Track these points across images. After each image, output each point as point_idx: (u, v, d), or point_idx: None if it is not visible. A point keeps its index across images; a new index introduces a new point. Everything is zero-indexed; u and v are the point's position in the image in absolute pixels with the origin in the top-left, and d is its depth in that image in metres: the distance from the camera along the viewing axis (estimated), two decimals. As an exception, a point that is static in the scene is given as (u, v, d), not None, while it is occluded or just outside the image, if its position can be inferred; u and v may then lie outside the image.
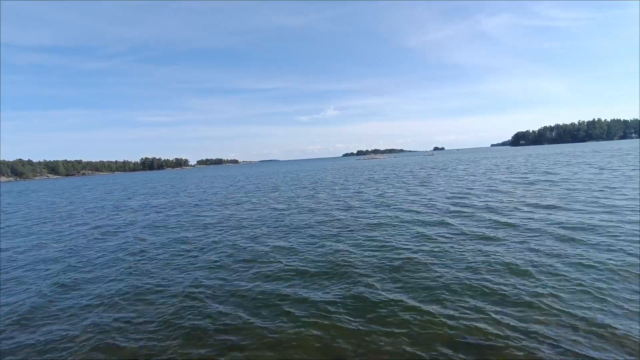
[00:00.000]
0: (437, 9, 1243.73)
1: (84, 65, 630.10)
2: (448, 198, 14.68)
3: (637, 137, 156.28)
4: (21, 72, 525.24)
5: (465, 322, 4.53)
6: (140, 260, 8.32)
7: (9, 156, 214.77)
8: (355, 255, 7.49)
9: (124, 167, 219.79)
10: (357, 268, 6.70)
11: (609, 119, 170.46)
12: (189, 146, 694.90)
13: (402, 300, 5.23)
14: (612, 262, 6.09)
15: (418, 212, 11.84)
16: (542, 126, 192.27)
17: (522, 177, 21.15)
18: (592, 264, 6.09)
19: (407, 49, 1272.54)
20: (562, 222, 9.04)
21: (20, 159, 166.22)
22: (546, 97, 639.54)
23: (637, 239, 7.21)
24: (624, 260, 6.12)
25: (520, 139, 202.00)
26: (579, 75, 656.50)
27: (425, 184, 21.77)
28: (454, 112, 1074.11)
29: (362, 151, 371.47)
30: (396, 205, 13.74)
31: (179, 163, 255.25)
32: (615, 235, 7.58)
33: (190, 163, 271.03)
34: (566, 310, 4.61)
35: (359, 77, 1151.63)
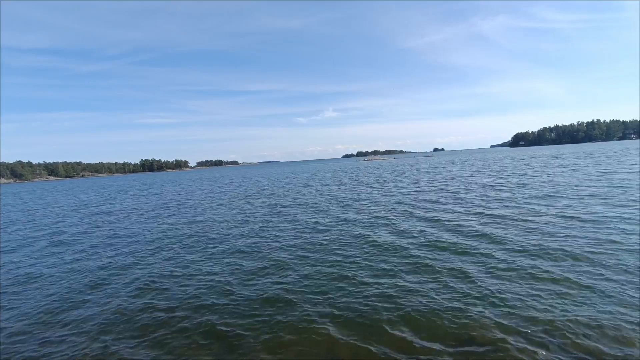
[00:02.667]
0: (434, 11, 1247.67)
1: (83, 67, 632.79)
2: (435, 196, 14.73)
3: (636, 138, 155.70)
4: (20, 75, 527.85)
5: (459, 321, 4.63)
6: (133, 263, 8.40)
7: (9, 158, 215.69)
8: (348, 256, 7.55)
9: (124, 168, 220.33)
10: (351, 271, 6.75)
11: (608, 120, 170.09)
12: (188, 148, 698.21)
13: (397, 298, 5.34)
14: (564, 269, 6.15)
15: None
16: (542, 127, 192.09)
17: (500, 181, 21.19)
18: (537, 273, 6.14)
19: (406, 51, 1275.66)
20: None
21: (20, 161, 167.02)
22: (545, 99, 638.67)
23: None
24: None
25: (520, 140, 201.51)
26: (578, 76, 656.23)
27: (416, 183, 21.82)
28: (454, 114, 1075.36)
29: (362, 152, 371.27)
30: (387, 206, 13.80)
31: (179, 165, 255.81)
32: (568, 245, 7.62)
33: (190, 165, 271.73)
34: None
35: (358, 78, 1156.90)
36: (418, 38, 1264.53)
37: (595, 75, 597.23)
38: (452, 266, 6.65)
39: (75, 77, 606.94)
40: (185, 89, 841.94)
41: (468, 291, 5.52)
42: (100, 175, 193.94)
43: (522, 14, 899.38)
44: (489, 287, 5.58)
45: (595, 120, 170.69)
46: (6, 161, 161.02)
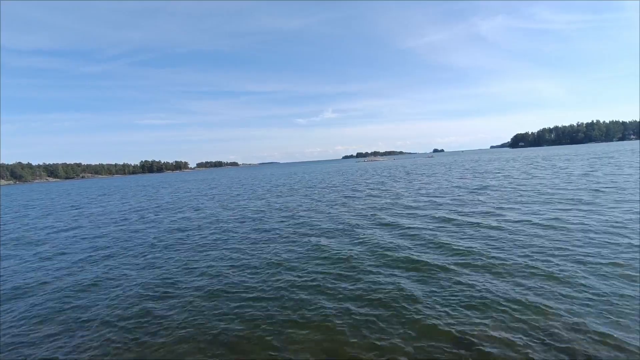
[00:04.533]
0: (434, 11, 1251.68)
1: (83, 68, 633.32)
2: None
3: (636, 139, 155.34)
4: (20, 75, 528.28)
5: (460, 323, 4.62)
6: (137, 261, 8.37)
7: (9, 159, 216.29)
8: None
9: (124, 170, 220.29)
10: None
11: (607, 121, 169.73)
12: (188, 148, 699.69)
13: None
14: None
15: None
16: (541, 128, 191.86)
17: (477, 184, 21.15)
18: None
19: (406, 51, 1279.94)
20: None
21: (19, 162, 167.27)
22: (545, 99, 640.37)
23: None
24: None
25: (520, 141, 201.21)
26: (578, 76, 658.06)
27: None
28: (454, 114, 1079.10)
29: (362, 153, 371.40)
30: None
31: (179, 166, 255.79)
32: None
33: (190, 166, 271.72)
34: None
35: (358, 79, 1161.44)
36: (418, 38, 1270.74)
37: (595, 75, 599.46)
38: (445, 268, 6.61)
39: (76, 77, 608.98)
40: (186, 90, 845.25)
41: (462, 295, 5.48)
42: (99, 176, 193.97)
43: (522, 15, 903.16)
44: (488, 290, 5.55)
45: (594, 121, 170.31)
46: (6, 162, 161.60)
